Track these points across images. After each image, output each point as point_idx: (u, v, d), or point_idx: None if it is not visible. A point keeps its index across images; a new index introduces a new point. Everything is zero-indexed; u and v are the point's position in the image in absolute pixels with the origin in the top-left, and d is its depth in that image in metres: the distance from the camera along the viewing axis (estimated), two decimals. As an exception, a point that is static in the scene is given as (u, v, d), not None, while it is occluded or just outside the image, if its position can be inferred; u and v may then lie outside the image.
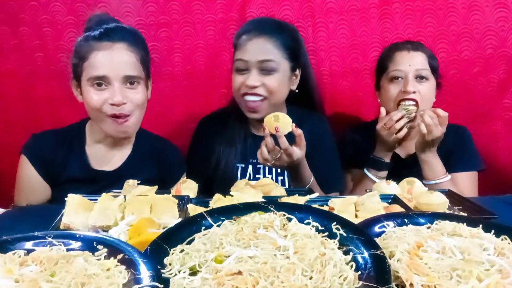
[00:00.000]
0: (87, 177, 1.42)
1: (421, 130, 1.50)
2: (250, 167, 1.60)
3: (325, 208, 1.06)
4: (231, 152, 1.58)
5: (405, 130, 1.57)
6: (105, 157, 1.47)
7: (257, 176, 1.60)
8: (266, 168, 1.60)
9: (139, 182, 1.25)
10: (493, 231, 0.84)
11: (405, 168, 1.67)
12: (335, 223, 0.83)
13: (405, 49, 1.64)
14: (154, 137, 1.59)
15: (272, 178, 1.59)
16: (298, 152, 1.37)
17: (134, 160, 1.49)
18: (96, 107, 1.33)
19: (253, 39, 1.48)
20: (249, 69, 1.47)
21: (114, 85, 1.32)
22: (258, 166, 1.60)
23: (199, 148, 1.66)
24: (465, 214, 1.10)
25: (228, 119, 1.62)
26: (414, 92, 1.58)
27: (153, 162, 1.52)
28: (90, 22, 1.40)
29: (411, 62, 1.61)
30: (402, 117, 1.56)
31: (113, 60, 1.32)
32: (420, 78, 1.61)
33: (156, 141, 1.58)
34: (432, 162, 1.55)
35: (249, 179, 1.59)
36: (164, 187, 1.42)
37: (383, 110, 1.61)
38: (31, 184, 1.42)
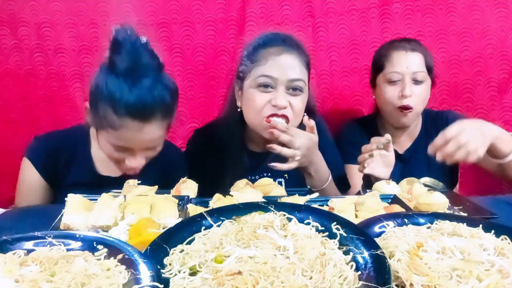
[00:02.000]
0: (92, 183, 1.37)
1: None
2: None
3: (325, 208, 1.06)
4: (228, 171, 1.47)
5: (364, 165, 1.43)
6: (111, 162, 1.39)
7: None
8: None
9: (139, 182, 1.24)
10: (493, 231, 0.84)
11: (403, 162, 1.68)
12: (335, 223, 0.82)
13: (402, 48, 1.62)
14: None
15: None
16: (313, 135, 1.33)
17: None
18: (112, 159, 1.29)
19: (282, 55, 1.35)
20: (276, 87, 1.34)
21: (137, 155, 1.26)
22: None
23: (195, 164, 1.57)
24: (465, 214, 1.10)
25: (224, 135, 1.51)
26: (410, 96, 1.57)
27: (157, 166, 1.47)
28: (116, 49, 1.17)
29: (408, 64, 1.59)
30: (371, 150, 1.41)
31: (143, 138, 1.22)
32: (416, 80, 1.59)
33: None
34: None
35: None
36: (165, 188, 1.42)
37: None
38: (34, 188, 1.40)
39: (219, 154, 1.50)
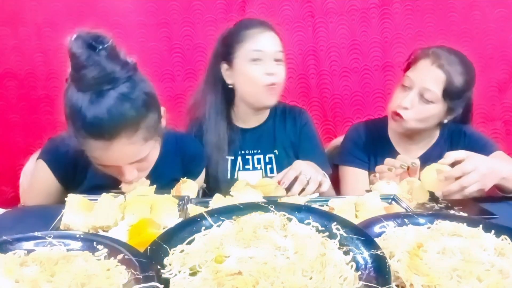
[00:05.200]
0: (112, 184, 1.26)
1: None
2: (239, 159, 1.65)
3: (325, 208, 1.06)
4: (220, 147, 1.63)
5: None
6: None
7: (246, 166, 1.65)
8: (255, 159, 1.65)
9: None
10: (493, 231, 0.84)
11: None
12: (335, 223, 0.82)
13: (430, 59, 1.48)
14: (172, 133, 1.48)
15: (261, 167, 1.64)
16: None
17: (161, 163, 1.33)
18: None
19: (265, 32, 1.55)
20: (265, 59, 1.53)
21: (124, 170, 1.18)
22: (246, 157, 1.66)
23: None
24: (465, 214, 1.10)
25: (213, 117, 1.66)
26: (406, 108, 1.48)
27: (177, 160, 1.46)
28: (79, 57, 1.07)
29: (423, 77, 1.47)
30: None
31: (116, 156, 1.13)
32: (423, 97, 1.47)
33: (175, 137, 1.49)
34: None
35: (238, 170, 1.64)
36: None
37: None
38: (48, 191, 1.35)
39: (213, 132, 1.63)
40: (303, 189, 1.26)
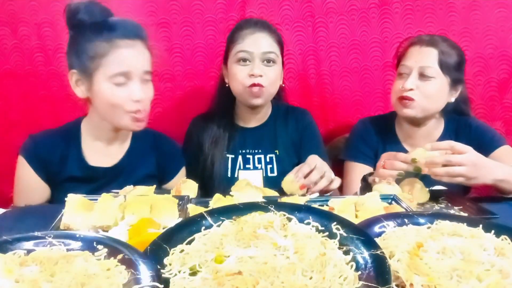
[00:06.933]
0: (85, 175, 1.41)
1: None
2: (239, 158, 1.67)
3: (325, 208, 1.06)
4: (220, 144, 1.65)
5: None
6: (102, 153, 1.45)
7: (247, 166, 1.66)
8: (256, 158, 1.66)
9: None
10: (493, 231, 0.84)
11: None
12: (335, 223, 0.82)
13: (418, 43, 1.57)
14: (150, 131, 1.57)
15: (261, 167, 1.65)
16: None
17: (133, 154, 1.48)
18: (118, 104, 1.31)
19: (255, 33, 1.56)
20: (253, 60, 1.54)
21: (136, 82, 1.31)
22: (247, 156, 1.67)
23: (192, 145, 1.71)
24: (465, 214, 1.10)
25: (215, 115, 1.70)
26: (411, 89, 1.52)
27: (151, 156, 1.53)
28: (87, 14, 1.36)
29: (418, 58, 1.54)
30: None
31: (137, 55, 1.32)
32: (423, 75, 1.52)
33: (153, 134, 1.58)
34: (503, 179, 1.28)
35: (239, 169, 1.66)
36: (163, 181, 1.51)
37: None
38: (30, 185, 1.42)
39: (213, 130, 1.67)
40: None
